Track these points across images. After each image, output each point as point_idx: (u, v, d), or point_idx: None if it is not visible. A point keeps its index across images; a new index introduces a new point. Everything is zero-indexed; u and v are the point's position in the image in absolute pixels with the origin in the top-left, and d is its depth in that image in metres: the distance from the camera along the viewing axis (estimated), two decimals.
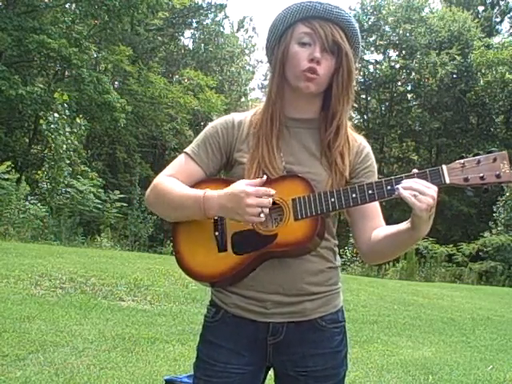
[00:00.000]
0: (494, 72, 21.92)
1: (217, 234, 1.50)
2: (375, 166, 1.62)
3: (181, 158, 1.60)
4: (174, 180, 1.54)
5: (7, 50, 14.94)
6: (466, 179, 1.36)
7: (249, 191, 1.39)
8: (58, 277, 6.50)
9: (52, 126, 13.33)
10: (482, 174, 1.35)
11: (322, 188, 1.49)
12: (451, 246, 17.02)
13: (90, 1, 14.91)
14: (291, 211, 1.44)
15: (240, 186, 1.42)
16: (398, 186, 1.37)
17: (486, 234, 17.12)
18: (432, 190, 1.34)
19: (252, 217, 1.39)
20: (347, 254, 14.85)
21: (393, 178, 1.40)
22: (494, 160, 1.35)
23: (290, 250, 1.44)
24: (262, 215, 1.39)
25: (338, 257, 1.63)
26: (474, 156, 1.37)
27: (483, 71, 22.73)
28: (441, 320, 7.00)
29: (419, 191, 1.33)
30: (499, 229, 16.98)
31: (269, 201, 1.40)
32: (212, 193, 1.46)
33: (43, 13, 15.64)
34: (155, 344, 4.50)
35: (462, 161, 1.37)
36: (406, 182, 1.36)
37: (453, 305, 8.35)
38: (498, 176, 1.34)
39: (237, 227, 1.48)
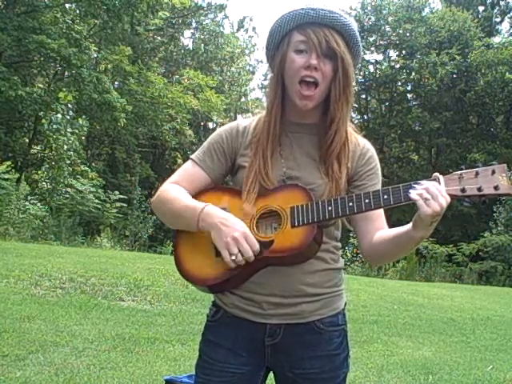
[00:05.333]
0: (494, 72, 21.88)
1: None
2: (379, 169, 1.62)
3: (187, 165, 1.64)
4: (178, 188, 1.57)
5: (7, 50, 14.93)
6: (463, 190, 1.35)
7: (246, 232, 1.43)
8: (58, 277, 6.50)
9: (54, 126, 13.34)
10: (479, 186, 1.34)
11: (320, 193, 1.50)
12: (451, 246, 17.00)
13: (90, 1, 14.89)
14: (289, 219, 1.46)
15: (244, 225, 1.45)
16: (416, 185, 1.36)
17: (486, 234, 17.10)
18: (444, 200, 1.33)
19: (226, 251, 1.42)
20: (347, 254, 14.84)
21: (390, 187, 1.40)
22: (493, 172, 1.34)
23: (285, 255, 1.45)
24: (233, 257, 1.41)
25: (340, 259, 1.63)
26: (472, 168, 1.37)
27: (483, 71, 22.70)
28: (441, 320, 7.00)
29: (432, 196, 1.33)
30: (499, 229, 16.95)
31: (250, 255, 1.41)
32: (213, 210, 1.48)
33: (43, 13, 15.61)
34: (155, 344, 4.50)
35: (459, 172, 1.37)
36: (425, 183, 1.35)
37: (453, 305, 8.35)
38: (496, 188, 1.33)
39: None
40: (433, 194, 1.33)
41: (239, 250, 1.41)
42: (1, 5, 15.74)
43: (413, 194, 1.34)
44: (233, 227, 1.43)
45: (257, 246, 1.42)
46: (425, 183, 1.36)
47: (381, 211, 1.57)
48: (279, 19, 1.53)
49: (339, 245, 1.63)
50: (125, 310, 5.54)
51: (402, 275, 14.58)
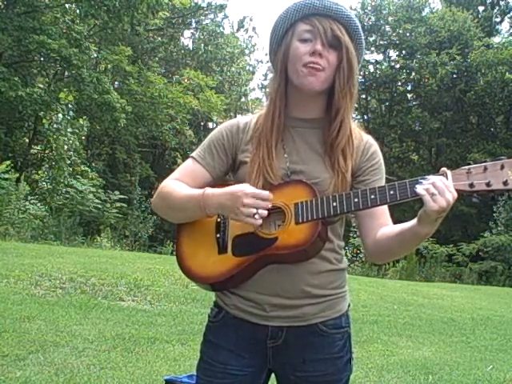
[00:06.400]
0: (494, 72, 21.89)
1: (218, 235, 1.51)
2: (382, 164, 1.60)
3: (187, 162, 1.62)
4: (177, 182, 1.56)
5: (7, 51, 14.93)
6: (472, 185, 1.32)
7: (247, 191, 1.40)
8: (58, 277, 6.50)
9: (55, 125, 13.36)
10: (488, 181, 1.31)
11: (325, 187, 1.49)
12: (451, 246, 17.01)
13: (90, 1, 14.89)
14: (293, 215, 1.44)
15: (241, 186, 1.43)
16: (421, 180, 1.34)
17: (486, 234, 17.10)
18: (450, 195, 1.30)
19: (247, 217, 1.39)
20: (347, 253, 14.85)
21: (396, 183, 1.38)
22: (502, 167, 1.31)
23: (288, 253, 1.43)
24: (256, 216, 1.38)
25: (344, 259, 1.61)
26: (480, 163, 1.34)
27: (483, 71, 22.70)
28: (441, 320, 7.00)
29: (439, 191, 1.30)
30: (499, 229, 16.95)
31: (266, 204, 1.40)
32: (212, 191, 1.47)
33: (43, 13, 15.61)
34: (155, 344, 4.50)
35: (467, 167, 1.34)
36: (432, 178, 1.32)
37: (453, 305, 8.35)
38: (505, 183, 1.30)
39: (239, 230, 1.48)
40: (440, 189, 1.30)
41: (256, 209, 1.39)
42: (1, 5, 15.74)
43: (419, 188, 1.32)
44: (234, 196, 1.40)
45: (265, 194, 1.40)
46: (432, 178, 1.33)
47: (385, 207, 1.54)
48: (284, 11, 1.53)
49: (342, 244, 1.61)
50: (125, 310, 5.53)
51: (401, 275, 14.58)
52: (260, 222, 1.40)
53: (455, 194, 1.31)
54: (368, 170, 1.56)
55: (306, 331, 1.53)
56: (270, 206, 1.40)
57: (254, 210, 1.39)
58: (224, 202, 1.42)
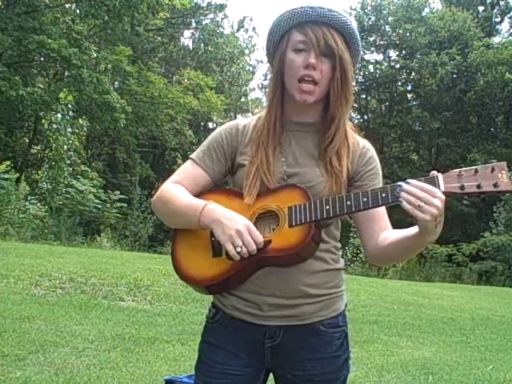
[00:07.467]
0: (494, 72, 21.90)
1: (213, 239, 1.51)
2: (379, 169, 1.61)
3: (186, 164, 1.63)
4: (178, 187, 1.57)
5: (7, 51, 14.93)
6: (462, 187, 1.33)
7: (249, 225, 1.41)
8: (58, 277, 6.50)
9: (54, 126, 13.35)
10: (478, 183, 1.32)
11: (320, 190, 1.50)
12: (451, 246, 17.02)
13: (90, 1, 14.89)
14: (287, 218, 1.45)
15: (246, 219, 1.44)
16: (402, 192, 1.33)
17: (486, 234, 17.11)
18: (438, 200, 1.29)
19: (230, 244, 1.39)
20: (347, 254, 14.84)
21: (388, 186, 1.38)
22: (492, 170, 1.33)
23: (282, 255, 1.44)
24: (238, 249, 1.39)
25: (340, 259, 1.62)
26: (471, 166, 1.36)
27: (483, 71, 22.72)
28: (441, 320, 7.00)
29: (424, 201, 1.29)
30: (499, 229, 16.96)
31: (253, 248, 1.40)
32: (217, 205, 1.48)
33: (43, 13, 15.61)
34: (155, 344, 4.50)
35: (458, 170, 1.36)
36: (411, 190, 1.32)
37: (453, 305, 8.35)
38: (495, 185, 1.31)
39: None
40: (424, 199, 1.30)
41: (243, 243, 1.39)
42: (1, 5, 15.74)
43: (405, 205, 1.31)
44: (236, 221, 1.42)
45: (260, 239, 1.41)
46: (411, 188, 1.32)
47: (384, 211, 1.55)
48: (278, 18, 1.53)
49: (339, 245, 1.62)
50: (125, 310, 5.53)
51: (402, 275, 14.60)
52: (237, 257, 1.40)
53: (442, 197, 1.31)
54: (365, 175, 1.57)
55: (304, 330, 1.53)
56: (255, 251, 1.41)
57: (240, 243, 1.39)
58: (221, 220, 1.43)
